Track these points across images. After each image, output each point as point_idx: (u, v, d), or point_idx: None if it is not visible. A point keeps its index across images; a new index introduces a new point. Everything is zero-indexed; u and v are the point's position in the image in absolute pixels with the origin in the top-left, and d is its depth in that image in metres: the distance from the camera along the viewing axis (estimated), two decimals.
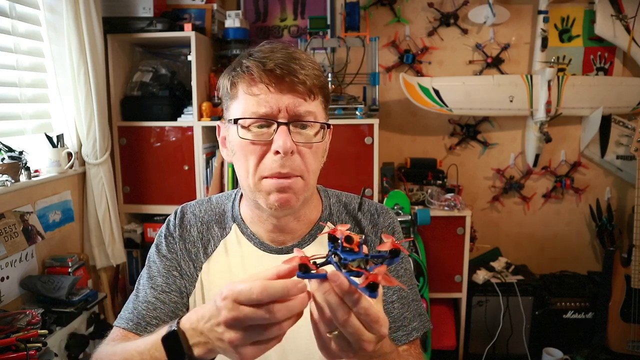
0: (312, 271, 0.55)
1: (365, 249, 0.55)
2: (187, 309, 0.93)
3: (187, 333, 0.63)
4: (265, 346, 0.57)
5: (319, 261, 0.58)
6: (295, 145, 0.80)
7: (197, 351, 0.62)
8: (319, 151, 0.85)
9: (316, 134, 0.83)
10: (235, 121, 0.82)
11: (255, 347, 0.56)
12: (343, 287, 0.52)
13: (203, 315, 0.61)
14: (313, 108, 0.81)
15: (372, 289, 0.51)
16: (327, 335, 0.55)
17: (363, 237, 0.55)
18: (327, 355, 0.58)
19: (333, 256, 0.56)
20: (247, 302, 0.55)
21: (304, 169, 0.82)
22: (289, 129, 0.79)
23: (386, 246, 0.54)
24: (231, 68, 0.85)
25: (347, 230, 0.55)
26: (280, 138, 0.78)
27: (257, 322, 0.55)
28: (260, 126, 0.81)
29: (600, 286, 2.44)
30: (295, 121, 0.80)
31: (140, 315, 0.86)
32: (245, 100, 0.81)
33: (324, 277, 0.54)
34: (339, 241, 0.55)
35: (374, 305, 0.54)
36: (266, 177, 0.81)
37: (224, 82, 0.87)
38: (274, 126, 0.80)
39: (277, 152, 0.79)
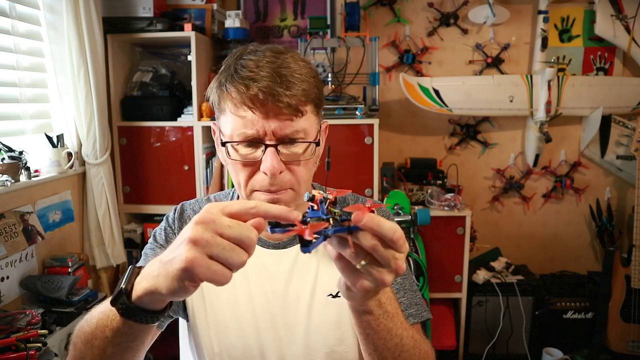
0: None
1: (326, 207, 0.55)
2: (184, 302, 0.94)
3: (140, 275, 0.61)
4: (219, 270, 0.52)
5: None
6: (283, 164, 0.80)
7: (138, 289, 0.59)
8: (309, 163, 0.85)
9: (305, 149, 0.82)
10: (224, 143, 0.82)
11: (209, 268, 0.52)
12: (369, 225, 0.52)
13: (166, 252, 0.58)
14: (302, 125, 0.80)
15: (302, 242, 0.51)
16: (357, 267, 0.54)
17: (327, 195, 0.55)
18: (359, 291, 0.56)
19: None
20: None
21: (295, 182, 0.83)
22: (277, 149, 0.79)
23: (356, 208, 0.53)
24: (217, 82, 0.83)
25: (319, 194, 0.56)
26: (268, 160, 0.78)
27: (221, 230, 0.53)
28: (249, 145, 0.81)
29: (600, 286, 2.44)
30: (283, 142, 0.80)
31: None
32: (232, 120, 0.80)
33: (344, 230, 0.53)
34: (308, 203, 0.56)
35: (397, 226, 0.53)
36: (257, 191, 0.82)
37: (212, 95, 0.85)
38: (262, 147, 0.79)
39: (266, 173, 0.79)
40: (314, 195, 0.55)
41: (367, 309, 0.65)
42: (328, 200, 0.55)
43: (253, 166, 0.81)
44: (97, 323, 0.66)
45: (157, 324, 0.63)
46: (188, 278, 0.53)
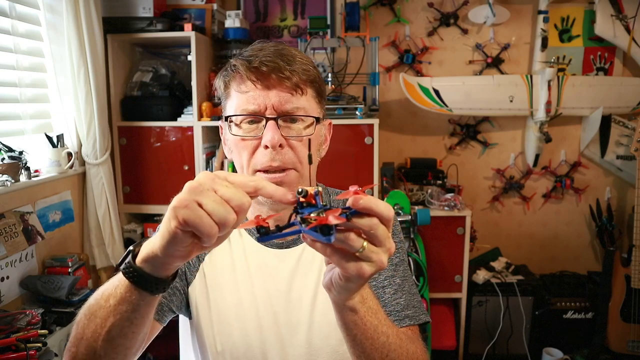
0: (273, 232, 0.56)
1: (320, 200, 0.55)
2: (187, 300, 0.94)
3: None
4: (204, 217, 0.53)
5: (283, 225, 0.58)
6: (285, 139, 0.82)
7: (142, 251, 0.61)
8: (313, 143, 0.86)
9: (307, 127, 0.85)
10: (226, 119, 0.86)
11: (194, 211, 0.53)
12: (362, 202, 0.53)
13: None
14: (302, 103, 0.84)
15: (323, 231, 0.51)
16: (357, 253, 0.55)
17: (317, 189, 0.55)
18: (360, 278, 0.57)
19: (295, 216, 0.56)
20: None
21: (297, 162, 0.84)
22: (277, 124, 0.82)
23: (348, 195, 0.53)
24: (224, 68, 0.88)
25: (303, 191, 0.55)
26: (269, 133, 0.81)
27: (217, 187, 0.55)
28: (251, 122, 0.84)
29: (600, 286, 2.44)
30: (284, 116, 0.83)
31: None
32: (236, 98, 0.85)
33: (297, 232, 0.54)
34: (297, 199, 0.55)
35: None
36: (259, 171, 0.84)
37: (218, 83, 0.90)
38: (263, 122, 0.82)
39: (267, 147, 0.81)
40: (307, 191, 0.55)
41: (352, 306, 0.65)
42: (319, 192, 0.55)
43: (255, 142, 0.84)
44: (103, 293, 0.67)
45: (159, 294, 0.63)
46: (174, 218, 0.54)
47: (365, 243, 0.54)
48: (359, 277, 0.56)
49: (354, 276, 0.56)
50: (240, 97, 0.84)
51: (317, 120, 0.86)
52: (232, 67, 0.85)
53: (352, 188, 0.54)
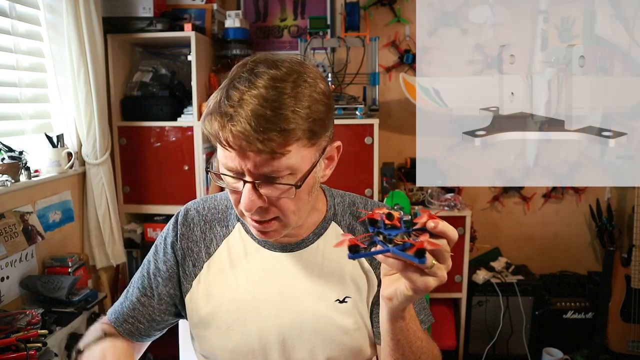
0: (361, 251, 0.61)
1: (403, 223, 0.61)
2: (183, 307, 0.95)
3: None
4: None
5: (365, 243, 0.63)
6: (263, 200, 0.77)
7: None
8: (300, 193, 0.78)
9: (288, 189, 0.76)
10: (207, 171, 0.85)
11: None
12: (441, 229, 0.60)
13: None
14: (284, 163, 0.73)
15: (419, 255, 0.57)
16: (427, 269, 0.61)
17: (402, 213, 0.61)
18: (425, 291, 0.63)
19: (377, 236, 0.61)
20: None
21: (280, 213, 0.80)
22: (255, 186, 0.75)
23: (424, 219, 0.60)
24: (207, 107, 0.77)
25: (384, 212, 0.61)
26: (245, 197, 0.75)
27: None
28: (233, 177, 0.77)
29: (600, 286, 2.44)
30: (263, 179, 0.75)
31: (122, 311, 0.96)
32: (219, 148, 0.77)
33: (386, 251, 0.60)
34: (381, 220, 0.60)
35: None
36: (245, 215, 0.82)
37: (204, 117, 0.80)
38: (241, 182, 0.76)
39: None
40: (394, 215, 0.60)
41: (403, 314, 0.73)
42: (403, 216, 0.61)
43: (239, 194, 0.78)
44: None
45: None
46: None
47: (434, 260, 0.60)
48: (425, 289, 0.63)
49: (421, 289, 0.63)
50: (221, 150, 0.76)
51: (298, 187, 0.76)
52: (210, 121, 0.74)
53: (425, 212, 0.61)
